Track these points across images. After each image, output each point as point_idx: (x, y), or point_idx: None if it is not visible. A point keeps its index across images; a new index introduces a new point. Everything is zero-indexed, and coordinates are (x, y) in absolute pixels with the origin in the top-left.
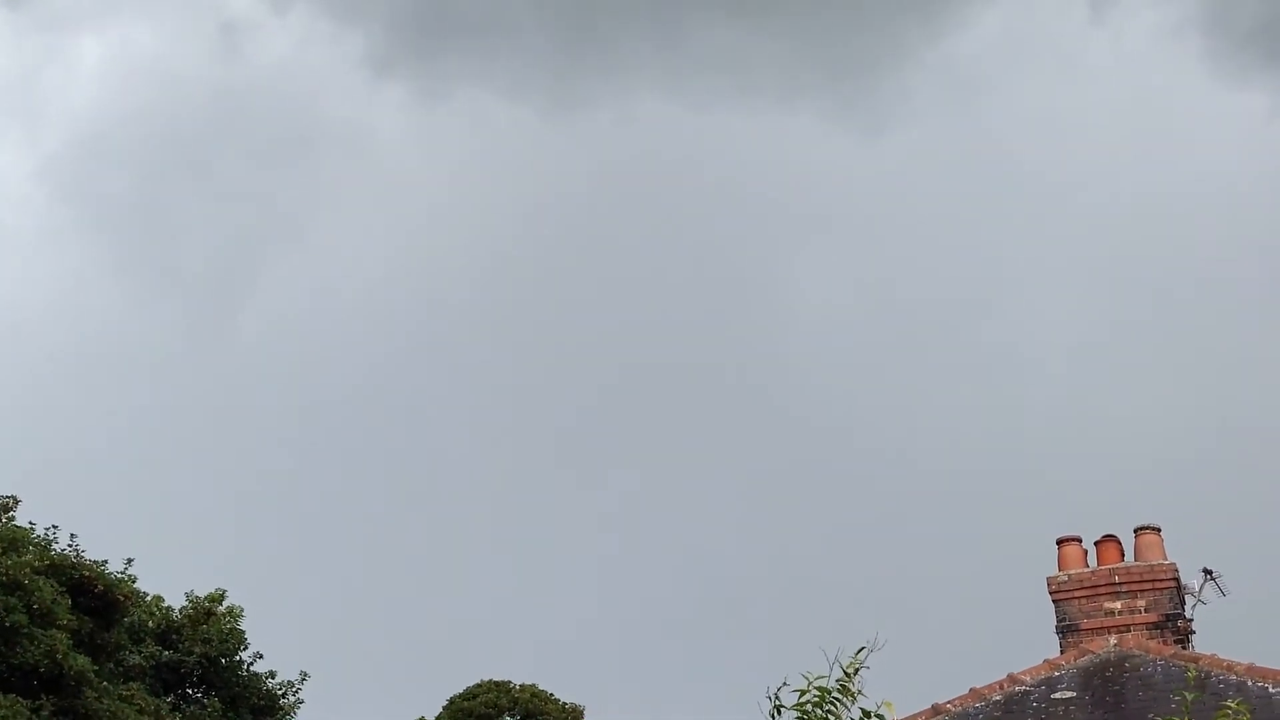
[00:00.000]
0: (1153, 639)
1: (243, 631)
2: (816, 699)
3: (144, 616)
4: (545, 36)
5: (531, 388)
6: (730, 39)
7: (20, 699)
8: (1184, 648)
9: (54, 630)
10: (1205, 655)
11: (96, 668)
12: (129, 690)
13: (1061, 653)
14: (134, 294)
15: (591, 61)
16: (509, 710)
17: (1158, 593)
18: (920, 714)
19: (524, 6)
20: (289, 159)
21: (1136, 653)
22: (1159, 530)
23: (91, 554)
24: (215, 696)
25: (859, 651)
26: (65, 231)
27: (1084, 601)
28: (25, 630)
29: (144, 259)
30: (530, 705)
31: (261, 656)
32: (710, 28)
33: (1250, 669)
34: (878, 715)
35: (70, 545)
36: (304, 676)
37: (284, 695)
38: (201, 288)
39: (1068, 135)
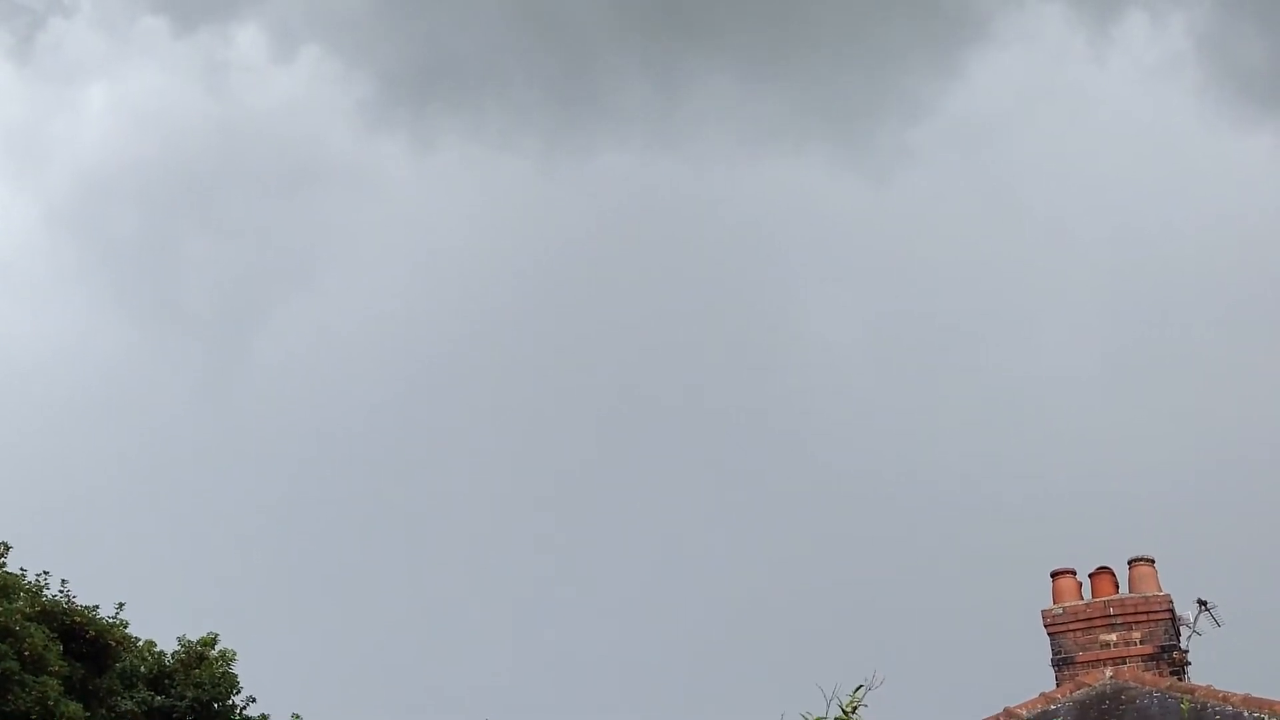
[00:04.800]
0: (1148, 671)
1: (235, 675)
2: None
3: (136, 662)
4: (538, 88)
5: (536, 429)
6: (731, 86)
7: None
8: (1180, 679)
9: (45, 677)
10: (1201, 686)
11: (88, 714)
12: None
13: (1057, 685)
14: (136, 338)
15: (586, 110)
16: None
17: (1153, 624)
18: None
19: (514, 59)
20: (292, 201)
21: (1132, 685)
22: (1153, 561)
23: (83, 599)
24: None
25: (857, 689)
26: (73, 275)
27: (1079, 634)
28: (16, 677)
29: (148, 302)
30: None
31: (255, 700)
32: (709, 74)
33: (1246, 699)
34: None
35: (62, 591)
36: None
37: None
38: (203, 332)
39: (1073, 174)
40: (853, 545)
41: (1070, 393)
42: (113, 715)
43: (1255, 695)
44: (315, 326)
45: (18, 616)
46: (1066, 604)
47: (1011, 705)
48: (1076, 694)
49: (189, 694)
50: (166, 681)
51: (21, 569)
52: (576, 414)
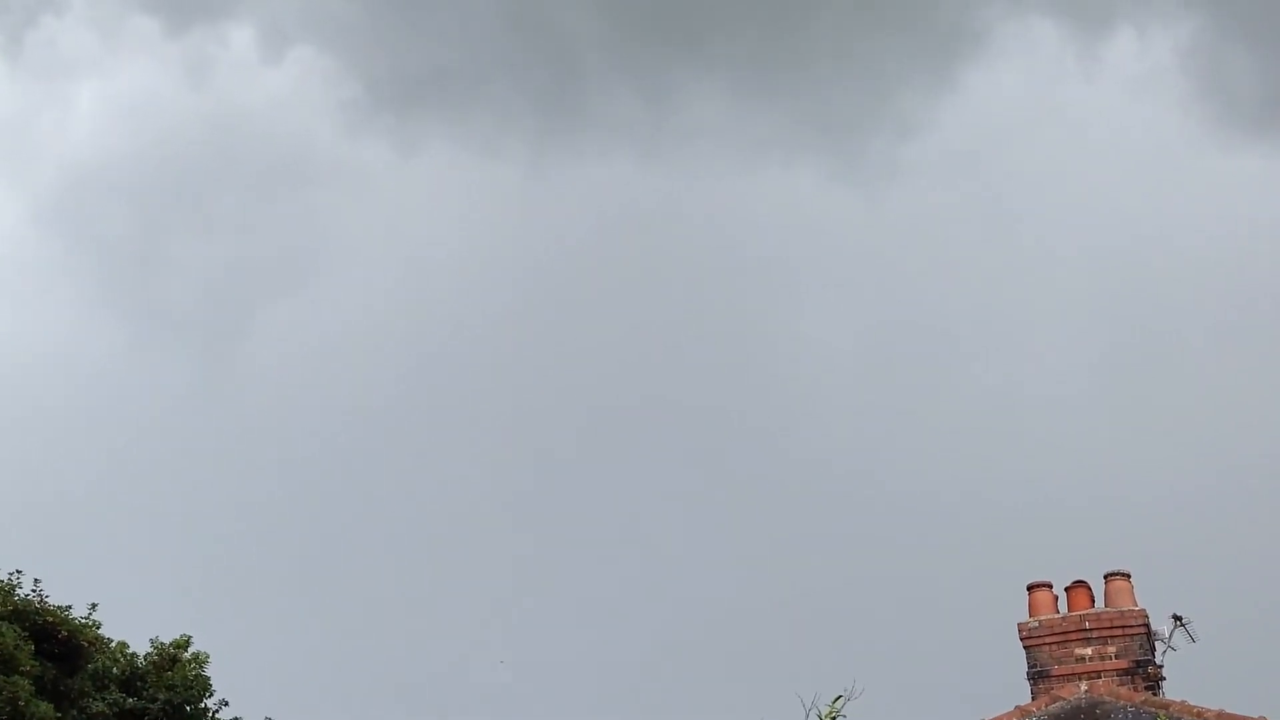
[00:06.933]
0: (1123, 685)
1: (208, 678)
2: None
3: (108, 663)
4: (527, 95)
5: (519, 433)
6: (722, 98)
7: None
8: (1154, 694)
9: (16, 677)
10: (1175, 702)
11: (59, 715)
12: None
13: (1033, 699)
14: (122, 337)
15: (574, 119)
16: None
17: (1128, 639)
18: None
19: (503, 66)
20: (282, 201)
21: (1107, 699)
22: (1129, 576)
23: (56, 599)
24: None
25: (836, 700)
26: (60, 273)
27: (1054, 647)
28: None
29: (135, 299)
30: None
31: (227, 704)
32: (700, 85)
33: (1220, 715)
34: None
35: (34, 591)
36: None
37: None
38: (190, 332)
39: (1064, 188)
40: (842, 552)
41: (1061, 403)
42: (84, 716)
43: (1229, 711)
44: (302, 327)
45: None
46: (1042, 617)
47: (988, 718)
48: (1052, 708)
49: (161, 696)
50: (139, 683)
51: None
52: (562, 419)
